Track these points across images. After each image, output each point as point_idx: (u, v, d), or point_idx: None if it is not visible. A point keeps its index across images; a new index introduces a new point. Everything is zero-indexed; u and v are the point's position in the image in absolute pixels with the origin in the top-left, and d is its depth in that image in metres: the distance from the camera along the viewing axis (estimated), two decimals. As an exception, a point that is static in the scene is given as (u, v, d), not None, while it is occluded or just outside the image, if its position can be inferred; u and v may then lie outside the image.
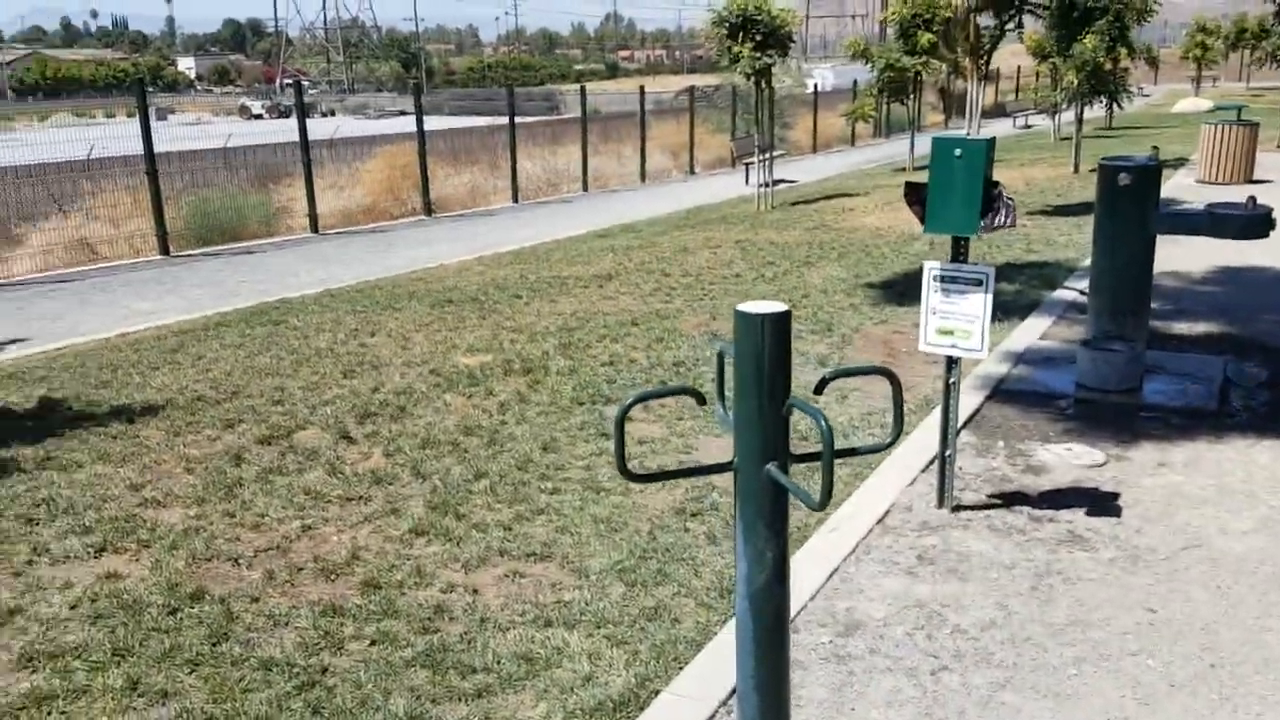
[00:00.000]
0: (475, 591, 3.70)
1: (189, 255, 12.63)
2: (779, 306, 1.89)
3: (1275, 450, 4.79)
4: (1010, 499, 4.35)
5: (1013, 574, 3.70)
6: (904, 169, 19.95)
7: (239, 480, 4.81)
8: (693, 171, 22.77)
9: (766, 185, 15.48)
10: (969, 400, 5.55)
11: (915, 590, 3.61)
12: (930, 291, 4.01)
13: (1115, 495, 4.35)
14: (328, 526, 4.30)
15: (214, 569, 3.94)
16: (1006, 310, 7.69)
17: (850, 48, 19.59)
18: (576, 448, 5.13)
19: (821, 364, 6.65)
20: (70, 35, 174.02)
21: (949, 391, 4.13)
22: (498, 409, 5.82)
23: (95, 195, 13.85)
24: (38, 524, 4.36)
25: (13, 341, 8.09)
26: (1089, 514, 4.18)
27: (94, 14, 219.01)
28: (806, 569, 3.76)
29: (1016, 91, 38.03)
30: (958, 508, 4.26)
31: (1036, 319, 7.42)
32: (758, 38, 13.81)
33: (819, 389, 2.06)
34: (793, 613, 3.45)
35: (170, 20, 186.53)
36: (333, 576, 3.85)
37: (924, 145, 23.64)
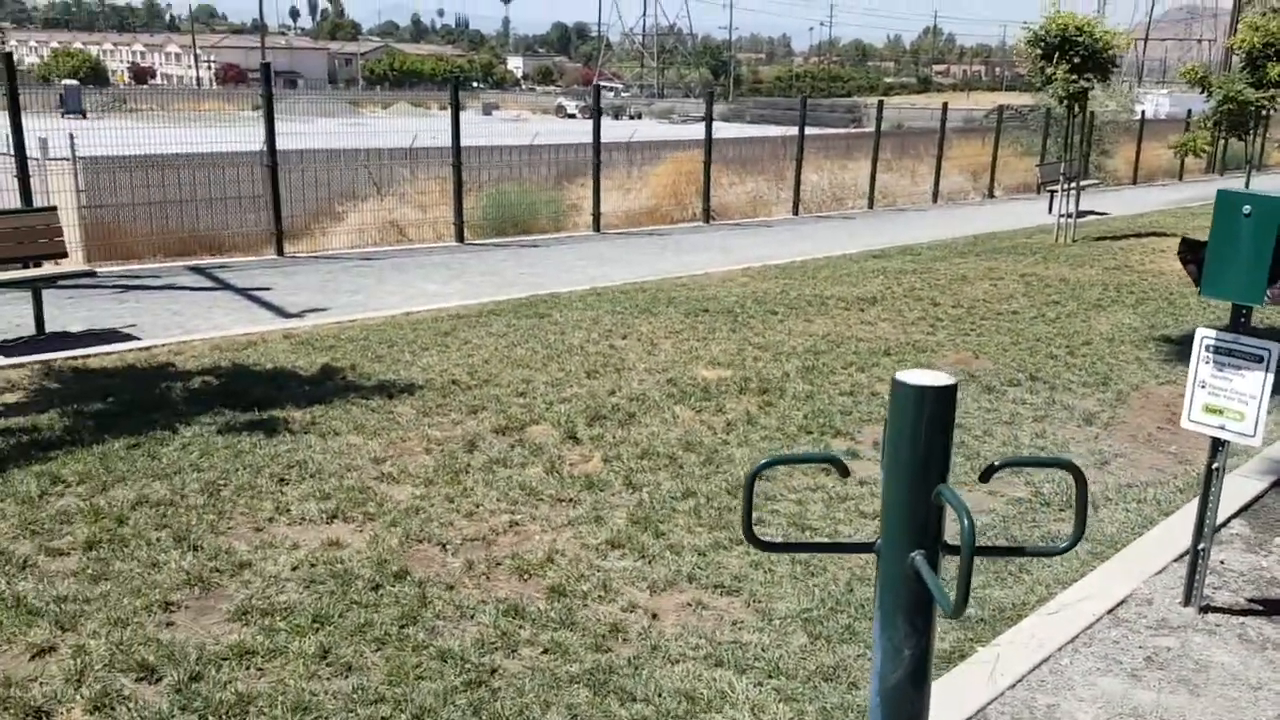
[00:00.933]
0: (655, 616, 3.65)
1: (481, 244, 13.49)
2: (944, 378, 1.69)
3: None
4: (1274, 607, 3.75)
5: (1256, 696, 3.18)
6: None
7: (467, 467, 5.04)
8: (992, 195, 21.65)
9: (1069, 216, 14.41)
10: (1248, 485, 4.86)
11: (1135, 696, 3.18)
12: (1200, 362, 3.53)
13: None
14: (533, 525, 4.41)
15: (422, 551, 4.14)
16: (1322, 385, 6.69)
17: (1187, 75, 17.79)
18: (793, 479, 4.97)
19: (1087, 422, 6.07)
20: (419, 31, 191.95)
21: (1210, 478, 3.62)
22: (724, 427, 5.76)
23: (410, 181, 15.14)
24: (287, 484, 4.77)
25: (314, 310, 8.96)
26: (1377, 644, 3.52)
27: (440, 12, 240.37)
28: (1014, 652, 3.42)
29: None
30: (1207, 609, 3.73)
31: (1359, 400, 6.39)
32: (1075, 60, 12.86)
33: (985, 477, 1.83)
34: (985, 700, 3.15)
35: (506, 21, 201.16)
36: (525, 576, 3.94)
37: (1261, 184, 21.16)
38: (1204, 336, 3.51)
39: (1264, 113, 16.80)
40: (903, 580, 1.77)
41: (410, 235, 14.07)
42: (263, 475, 4.84)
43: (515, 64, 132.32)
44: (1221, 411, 3.49)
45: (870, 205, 19.12)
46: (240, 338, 7.64)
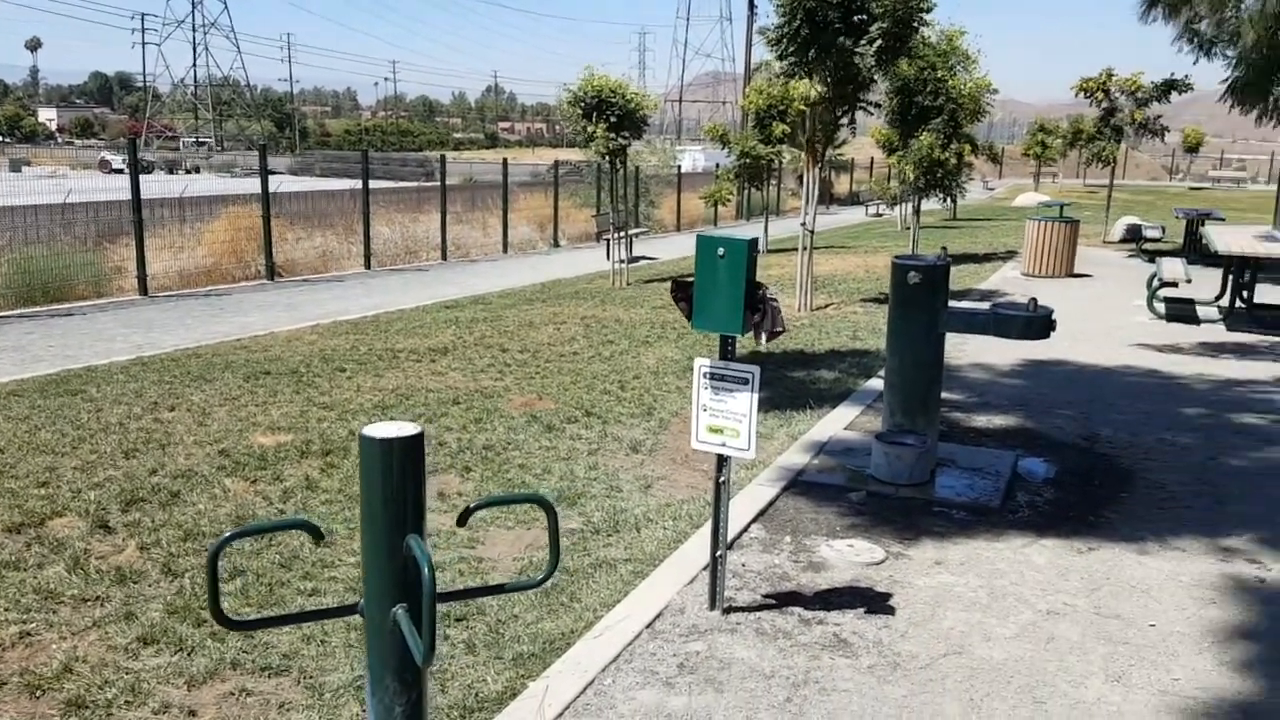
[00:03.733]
0: (192, 713, 3.37)
1: (2, 316, 11.82)
2: (410, 428, 1.73)
3: (1051, 551, 4.87)
4: (785, 599, 4.27)
5: (770, 684, 3.59)
6: (760, 251, 20.41)
7: (-36, 577, 4.35)
8: (557, 244, 22.81)
9: (623, 262, 15.57)
10: (764, 492, 5.51)
11: (669, 704, 3.46)
12: (701, 388, 3.94)
13: (888, 596, 4.32)
14: (50, 632, 3.90)
15: (-101, 685, 3.50)
16: (820, 398, 7.78)
17: (709, 133, 20.05)
18: (354, 540, 4.85)
19: (634, 450, 6.54)
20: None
21: (719, 491, 4.05)
22: (280, 496, 5.49)
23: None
24: None
25: None
26: (859, 616, 4.12)
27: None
28: (561, 683, 3.57)
29: (871, 181, 39.77)
30: (729, 610, 4.15)
31: (847, 408, 7.51)
32: (612, 119, 13.97)
33: (462, 520, 1.90)
34: (535, 731, 3.25)
35: (34, 70, 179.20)
36: (37, 693, 3.47)
37: (779, 228, 24.10)
38: (701, 365, 3.93)
39: (773, 165, 19.36)
40: (388, 637, 1.78)
41: (-91, 312, 12.01)
42: None
43: (49, 116, 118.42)
44: (722, 430, 3.92)
45: (444, 257, 19.38)
46: None
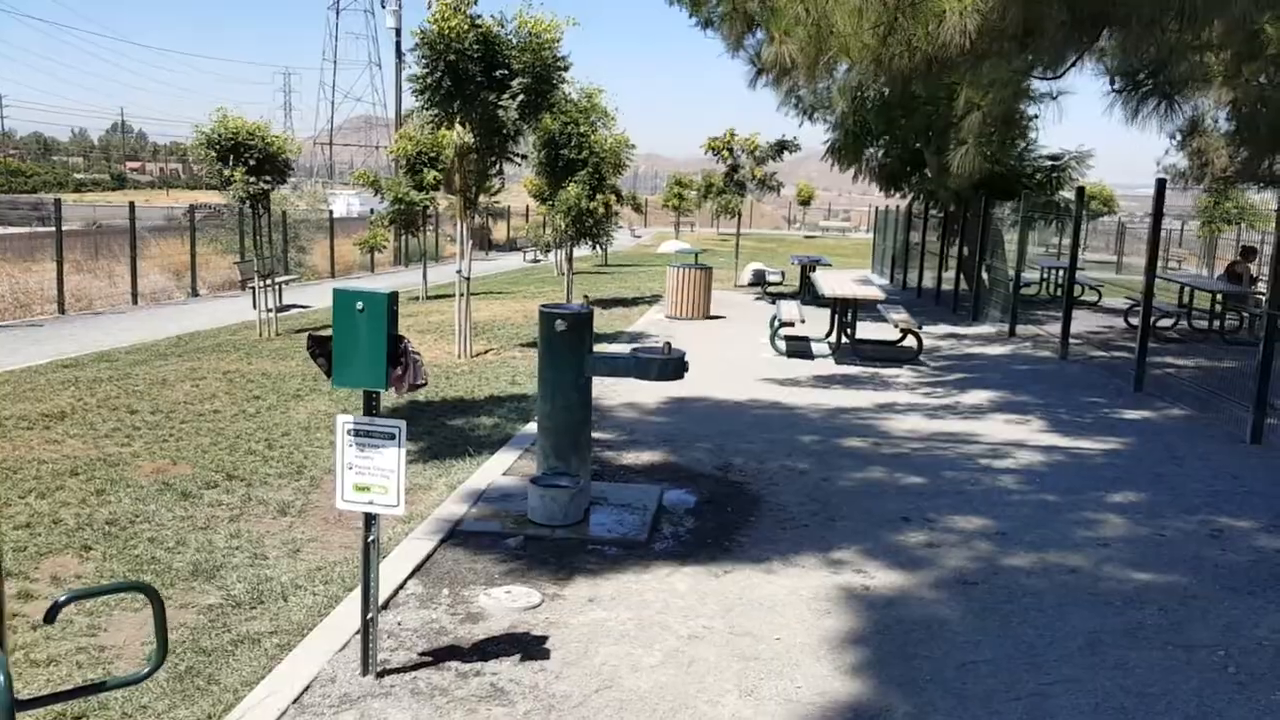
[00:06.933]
0: None
1: None
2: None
3: (692, 578, 5.20)
4: (442, 654, 4.23)
5: (425, 744, 3.54)
6: (418, 297, 20.21)
7: None
8: (196, 293, 21.27)
9: (271, 311, 14.81)
10: (422, 545, 5.45)
11: (318, 779, 3.30)
12: (345, 445, 3.84)
13: (545, 638, 4.41)
14: None
15: None
16: (480, 445, 7.82)
17: (359, 179, 19.63)
18: None
19: (282, 512, 6.22)
20: None
21: (369, 551, 3.95)
22: None
23: None
24: None
25: None
26: (516, 663, 4.17)
27: None
28: (197, 771, 3.30)
29: (528, 227, 40.79)
30: (384, 673, 4.04)
31: (506, 453, 7.61)
32: (252, 162, 13.32)
33: (50, 617, 1.73)
34: (165, 832, 2.97)
35: None
36: None
37: (438, 274, 23.96)
38: (344, 422, 3.83)
39: (429, 211, 19.32)
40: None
41: None
42: None
43: None
44: (369, 489, 3.84)
45: (62, 310, 17.46)
46: None
